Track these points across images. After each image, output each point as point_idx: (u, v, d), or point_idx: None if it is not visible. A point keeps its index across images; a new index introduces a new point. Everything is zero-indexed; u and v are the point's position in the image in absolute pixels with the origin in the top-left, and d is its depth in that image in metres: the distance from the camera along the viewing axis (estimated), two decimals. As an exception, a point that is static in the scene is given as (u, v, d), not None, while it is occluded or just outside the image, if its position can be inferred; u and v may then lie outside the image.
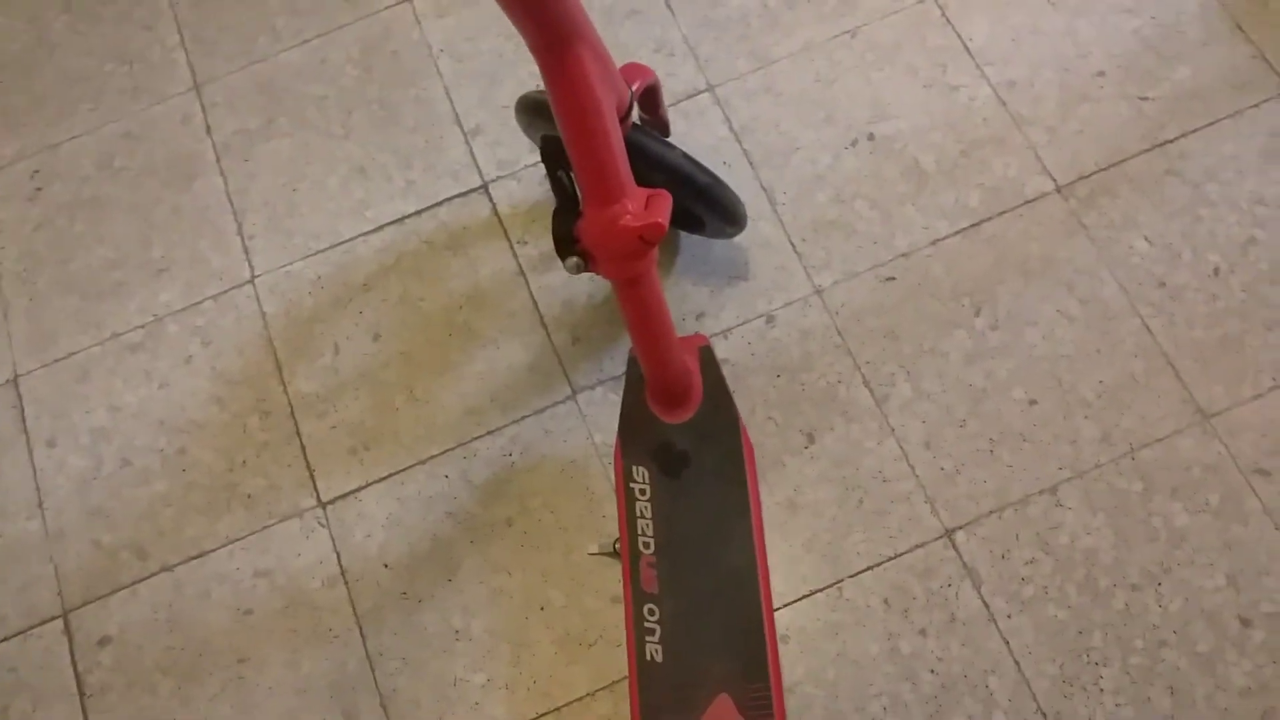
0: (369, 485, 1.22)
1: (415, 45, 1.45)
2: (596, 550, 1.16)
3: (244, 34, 1.48)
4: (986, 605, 1.13)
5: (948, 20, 1.40)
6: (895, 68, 1.38)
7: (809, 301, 1.27)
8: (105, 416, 1.28)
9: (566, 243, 0.92)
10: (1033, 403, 1.20)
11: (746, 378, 1.22)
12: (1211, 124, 1.30)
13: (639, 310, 0.98)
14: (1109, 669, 1.10)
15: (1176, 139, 1.30)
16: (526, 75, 1.41)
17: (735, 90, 1.38)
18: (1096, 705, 1.08)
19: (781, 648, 1.11)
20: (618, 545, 1.12)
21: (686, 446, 1.10)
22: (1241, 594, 1.11)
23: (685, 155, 1.06)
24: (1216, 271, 1.24)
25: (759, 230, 1.29)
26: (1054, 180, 1.30)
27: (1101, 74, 1.34)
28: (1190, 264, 1.25)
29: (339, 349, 1.29)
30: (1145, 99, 1.33)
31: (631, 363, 1.13)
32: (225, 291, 1.33)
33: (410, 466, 1.23)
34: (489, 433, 1.23)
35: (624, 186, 0.87)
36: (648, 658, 1.03)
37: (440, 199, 1.36)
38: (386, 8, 1.47)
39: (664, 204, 0.89)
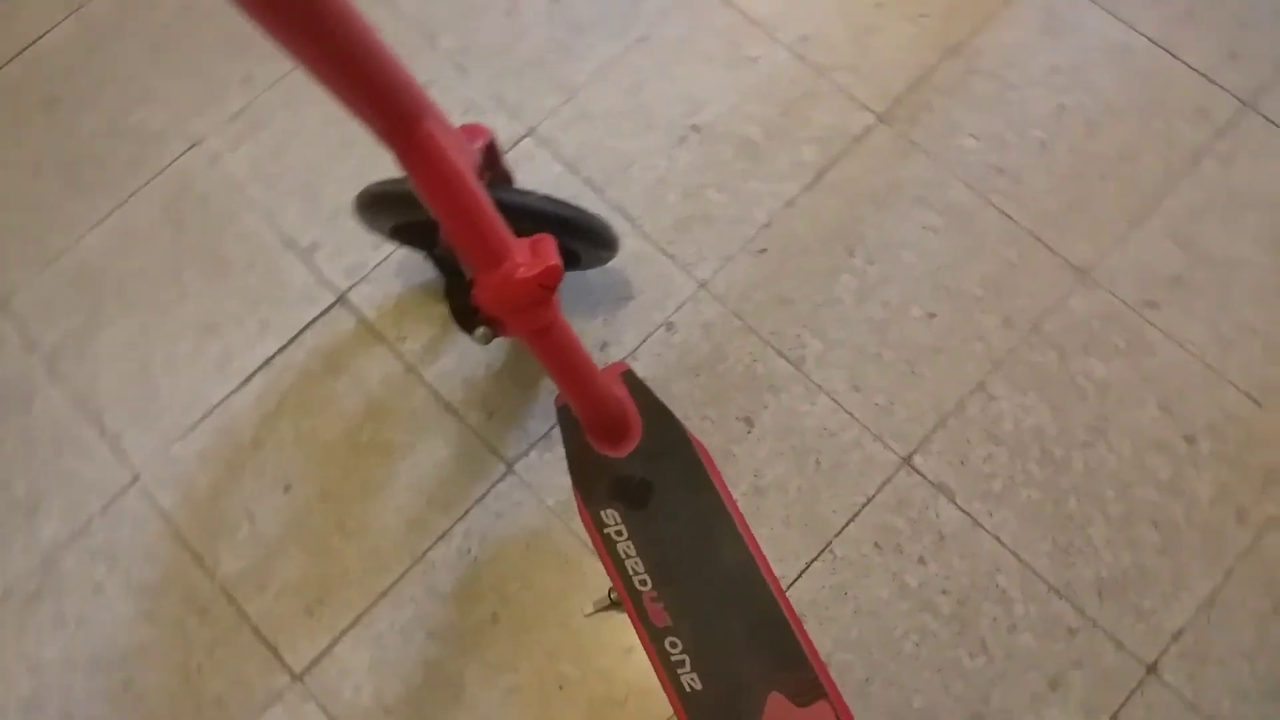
0: (339, 639, 1.17)
1: (220, 184, 1.40)
2: (593, 610, 1.15)
3: (31, 235, 1.40)
4: (966, 512, 1.18)
5: (726, 1, 1.47)
6: (693, 59, 1.44)
7: (698, 297, 1.30)
8: (29, 681, 1.17)
9: (467, 315, 0.91)
10: (932, 316, 1.27)
11: (669, 387, 1.24)
12: (989, 19, 1.42)
13: (557, 356, 0.98)
14: (1094, 526, 1.16)
15: (965, 41, 1.41)
16: (345, 175, 1.39)
17: (553, 126, 1.40)
18: (1097, 562, 1.15)
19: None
20: (614, 595, 1.11)
21: (644, 473, 1.11)
22: (1176, 417, 1.21)
23: (542, 196, 1.07)
24: (1042, 145, 1.35)
25: (627, 247, 1.31)
26: (873, 112, 1.38)
27: (879, 4, 1.44)
28: (1017, 145, 1.35)
29: (253, 515, 1.23)
30: (924, 15, 1.43)
31: (561, 413, 1.13)
32: (111, 502, 1.24)
33: (373, 604, 1.18)
34: (439, 538, 1.20)
35: (507, 243, 0.87)
36: (687, 690, 1.03)
37: (301, 327, 1.32)
38: (175, 159, 1.42)
39: (549, 246, 0.90)
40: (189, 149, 1.44)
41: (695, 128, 1.40)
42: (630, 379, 1.14)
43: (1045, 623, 1.13)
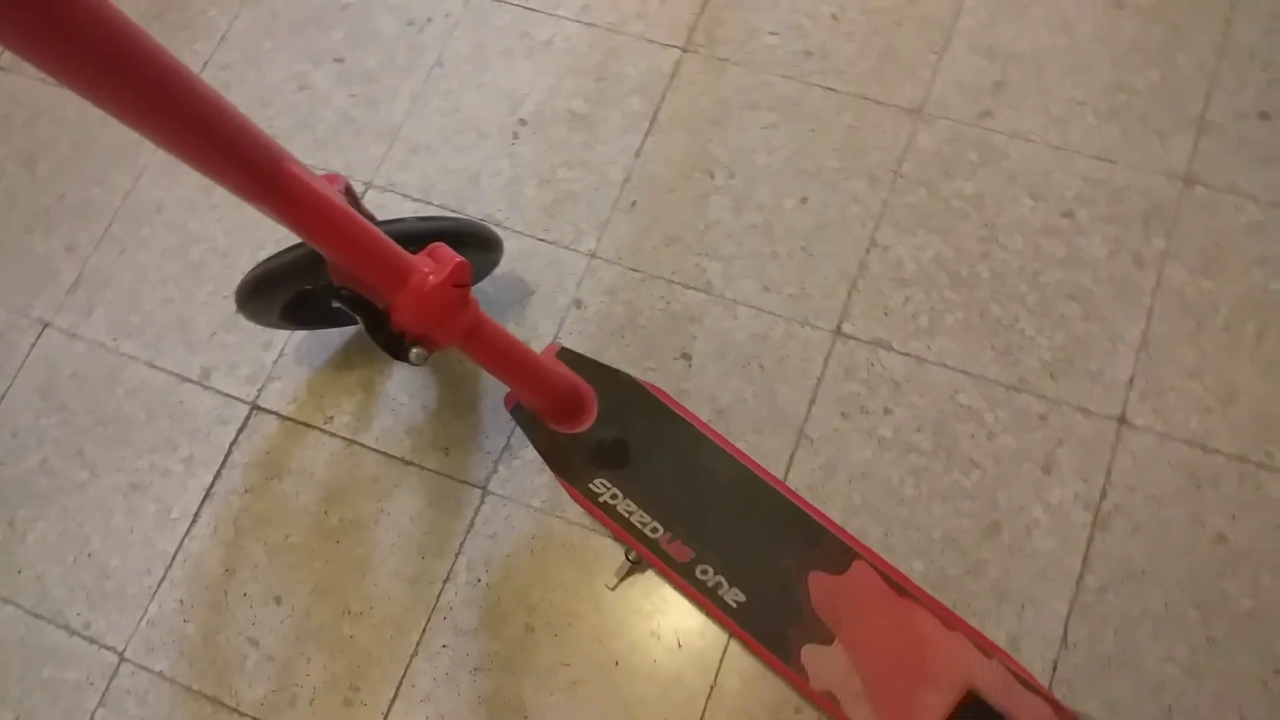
0: (388, 715, 1.17)
1: (87, 356, 1.40)
2: (616, 580, 1.19)
3: (-87, 476, 1.36)
4: (907, 354, 1.27)
5: (498, 1, 1.55)
6: (493, 62, 1.51)
7: (592, 268, 1.36)
8: None
9: (396, 342, 0.95)
10: (804, 200, 1.37)
11: (601, 355, 1.30)
12: (740, -74, 1.55)
13: (494, 353, 1.03)
14: (1020, 320, 1.27)
15: (728, -47, 1.53)
16: (207, 296, 1.40)
17: (389, 171, 1.45)
18: (1036, 349, 1.25)
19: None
20: (632, 555, 1.15)
21: (615, 434, 1.16)
22: (1048, 200, 1.33)
23: (414, 218, 1.12)
24: (835, 17, 1.47)
25: (510, 248, 1.37)
26: (675, 47, 1.48)
27: (640, -51, 1.55)
28: (813, 26, 1.47)
29: (255, 640, 1.22)
30: (683, -56, 1.55)
31: (516, 413, 1.17)
32: (106, 691, 1.22)
33: (407, 668, 1.19)
34: (445, 581, 1.22)
35: (407, 260, 0.92)
36: (734, 606, 1.08)
37: (226, 449, 1.32)
38: (31, 349, 1.41)
39: (446, 250, 0.94)
40: (40, 334, 1.42)
41: (523, 121, 1.46)
42: (566, 355, 1.19)
43: (1016, 419, 1.23)
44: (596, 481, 1.14)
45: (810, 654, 1.05)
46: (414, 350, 0.95)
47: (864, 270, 1.33)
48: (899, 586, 1.07)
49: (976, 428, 1.24)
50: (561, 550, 1.23)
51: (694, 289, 1.34)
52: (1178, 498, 1.18)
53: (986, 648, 1.04)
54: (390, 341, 0.95)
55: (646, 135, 1.44)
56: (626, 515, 1.13)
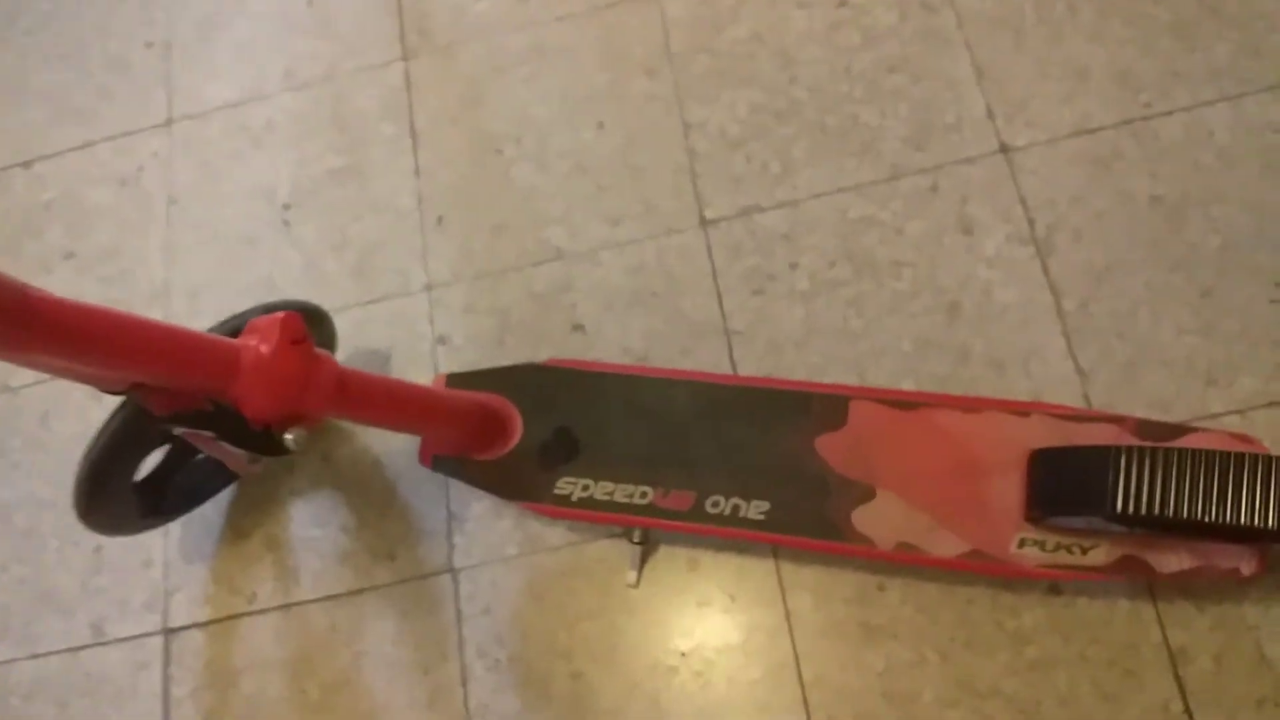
0: None
1: (-44, 686, 1.18)
2: (636, 575, 1.06)
3: None
4: (780, 204, 1.20)
5: (201, 116, 1.41)
6: (227, 170, 1.38)
7: (435, 298, 1.24)
8: None
9: (264, 439, 0.81)
10: (600, 125, 1.29)
11: (483, 363, 1.17)
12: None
13: (379, 401, 0.90)
14: (861, 115, 1.22)
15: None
16: (55, 553, 1.21)
17: (180, 311, 1.29)
18: (888, 133, 1.20)
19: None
20: (636, 535, 1.02)
21: (550, 427, 1.03)
22: (816, 2, 1.29)
23: (222, 322, 0.97)
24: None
25: (344, 329, 1.22)
26: (397, 58, 1.38)
27: (310, 4, 1.45)
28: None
29: None
30: (349, -37, 1.46)
31: (438, 463, 1.03)
32: None
33: (477, 796, 1.03)
34: (462, 683, 1.07)
35: (229, 343, 0.78)
36: (760, 518, 0.97)
37: (161, 692, 1.13)
38: (-110, 717, 1.18)
39: (262, 318, 0.81)
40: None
41: (287, 206, 1.34)
42: (456, 380, 1.06)
43: (912, 203, 1.17)
44: (561, 484, 1.01)
45: (862, 518, 0.95)
46: (288, 436, 0.81)
47: (693, 155, 1.25)
48: (904, 403, 0.98)
49: (882, 232, 1.17)
50: (564, 580, 1.09)
51: (547, 262, 1.24)
52: (1095, 186, 1.14)
53: (1020, 409, 0.96)
54: (257, 440, 0.81)
55: (415, 151, 1.33)
56: (608, 498, 1.00)
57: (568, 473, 1.02)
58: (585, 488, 1.01)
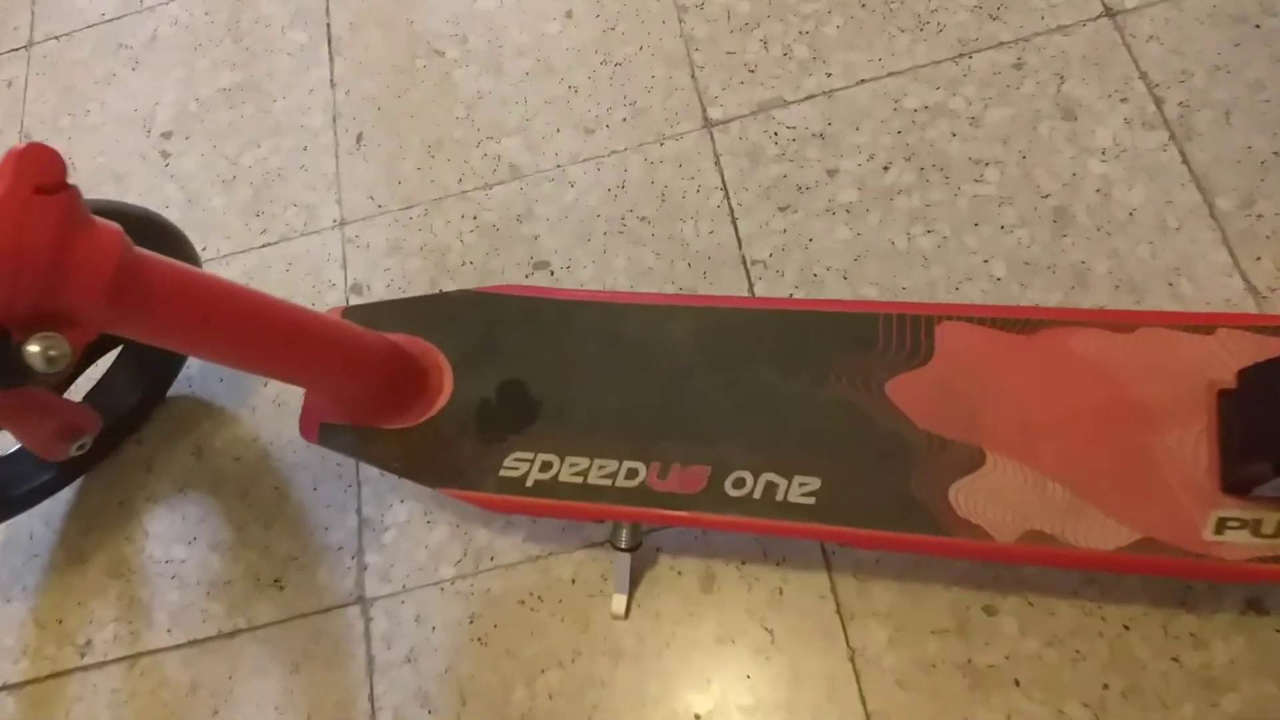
0: None
1: None
2: (624, 600, 0.73)
3: None
4: (807, 98, 0.89)
5: (35, 6, 1.12)
6: (96, 95, 1.08)
7: (349, 236, 0.93)
8: None
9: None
10: (569, 14, 0.99)
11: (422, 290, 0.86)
12: None
13: (197, 312, 0.57)
14: (915, -18, 0.92)
15: None
16: None
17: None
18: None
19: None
20: (622, 538, 0.70)
21: (494, 380, 0.71)
22: None
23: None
24: None
25: (250, 265, 0.91)
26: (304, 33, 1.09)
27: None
28: None
29: None
30: None
31: (327, 433, 0.71)
32: None
33: None
34: (380, 766, 0.73)
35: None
36: (806, 502, 0.64)
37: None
38: None
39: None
40: None
41: (166, 135, 1.03)
42: (357, 315, 0.75)
43: (990, 85, 0.86)
44: (510, 462, 0.70)
45: (964, 496, 0.63)
46: (31, 348, 0.49)
47: (691, 42, 0.95)
48: (1020, 323, 0.67)
49: (953, 123, 0.87)
50: (521, 612, 0.76)
51: (499, 184, 0.93)
52: (1243, 54, 0.84)
53: (1198, 323, 0.65)
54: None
55: (331, 61, 1.04)
56: (579, 480, 0.68)
57: (520, 445, 0.70)
58: (546, 466, 0.69)
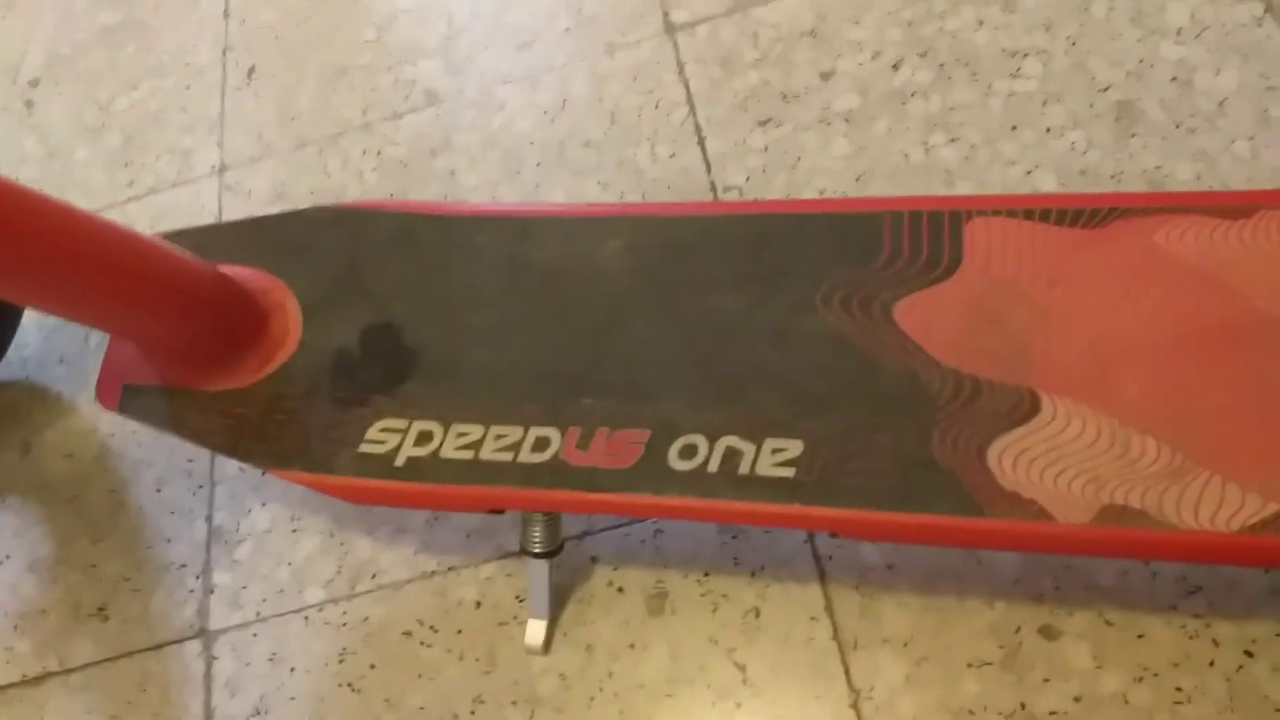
0: None
1: None
2: (543, 626, 0.54)
3: None
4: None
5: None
6: None
7: (228, 182, 0.76)
8: None
9: None
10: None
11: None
12: None
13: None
14: None
15: None
16: None
17: None
18: None
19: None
20: (534, 541, 0.51)
21: (357, 329, 0.53)
22: None
23: None
24: None
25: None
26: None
27: None
28: None
29: None
30: None
31: (130, 397, 0.53)
32: None
33: None
34: None
35: None
36: (784, 475, 0.45)
37: None
38: None
39: None
40: None
41: (34, 83, 0.87)
42: (181, 237, 0.57)
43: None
44: (375, 432, 0.51)
45: (1012, 460, 0.44)
46: None
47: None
48: (1086, 213, 0.48)
49: (980, 9, 0.68)
50: (409, 650, 0.57)
51: (412, 113, 0.76)
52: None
53: None
54: None
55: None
56: (469, 456, 0.50)
57: (389, 410, 0.52)
58: (424, 437, 0.51)
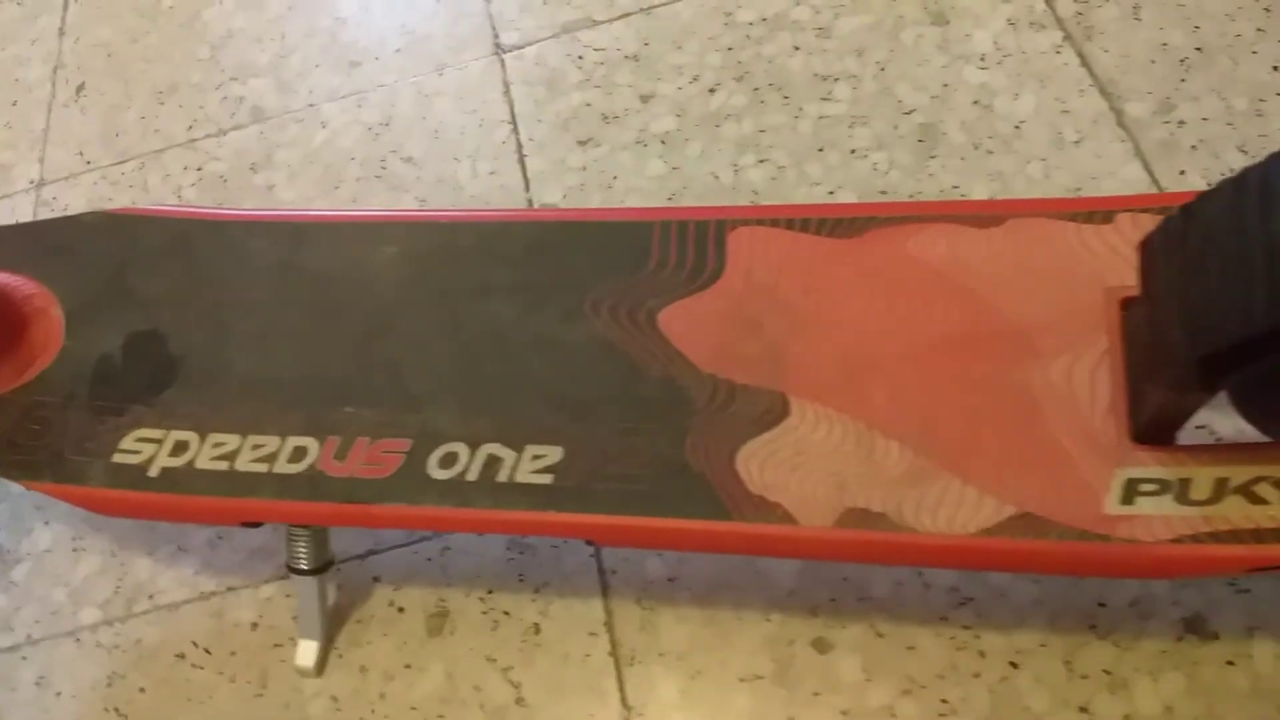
0: None
1: None
2: (316, 646, 0.52)
3: None
4: (627, 13, 0.72)
5: None
6: None
7: (44, 198, 0.74)
8: None
9: None
10: (291, 5, 0.83)
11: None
12: None
13: None
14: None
15: None
16: None
17: None
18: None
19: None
20: (300, 557, 0.50)
21: (121, 336, 0.51)
22: None
23: None
24: None
25: None
26: None
27: None
28: None
29: None
30: None
31: None
32: None
33: None
34: None
35: None
36: (542, 481, 0.44)
37: None
38: None
39: None
40: None
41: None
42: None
43: (844, -2, 0.70)
44: (130, 442, 0.49)
45: (760, 464, 0.43)
46: None
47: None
48: (844, 222, 0.48)
49: (797, 36, 0.70)
50: (180, 672, 0.54)
51: (237, 129, 0.75)
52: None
53: (1087, 209, 0.47)
54: None
55: (66, 6, 0.86)
56: (224, 467, 0.48)
57: (146, 419, 0.50)
58: (180, 447, 0.49)
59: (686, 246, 0.49)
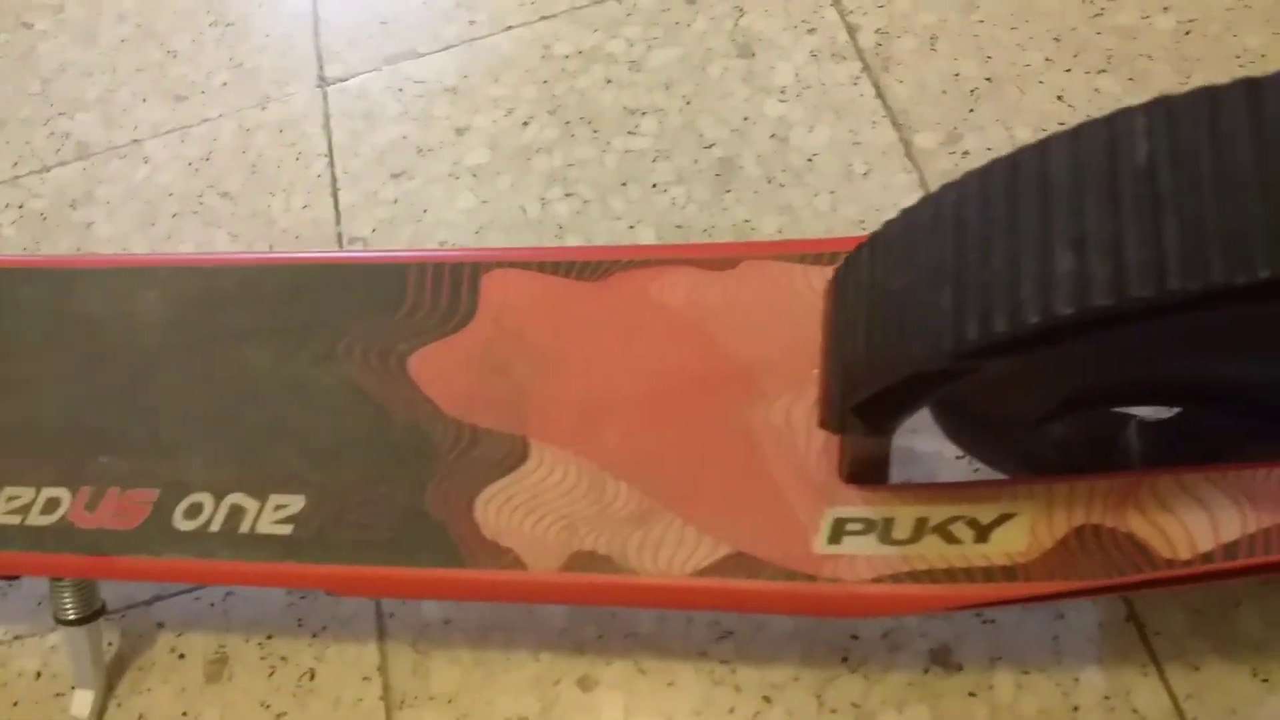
0: None
1: None
2: (89, 705, 0.51)
3: None
4: (421, 54, 0.72)
5: None
6: None
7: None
8: None
9: None
10: (125, 38, 0.82)
11: None
12: None
13: None
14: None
15: None
16: None
17: None
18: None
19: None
20: (67, 605, 0.49)
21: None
22: None
23: None
24: None
25: None
26: None
27: None
28: None
29: None
30: None
31: None
32: None
33: None
34: None
35: None
36: (283, 532, 0.43)
37: None
38: None
39: None
40: None
41: None
42: None
43: (656, 24, 0.70)
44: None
45: (496, 509, 0.43)
46: None
47: (321, -2, 0.79)
48: (590, 266, 0.48)
49: (609, 69, 0.70)
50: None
51: (59, 166, 0.74)
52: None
53: (815, 250, 0.46)
54: None
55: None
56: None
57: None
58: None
59: (441, 290, 0.49)
